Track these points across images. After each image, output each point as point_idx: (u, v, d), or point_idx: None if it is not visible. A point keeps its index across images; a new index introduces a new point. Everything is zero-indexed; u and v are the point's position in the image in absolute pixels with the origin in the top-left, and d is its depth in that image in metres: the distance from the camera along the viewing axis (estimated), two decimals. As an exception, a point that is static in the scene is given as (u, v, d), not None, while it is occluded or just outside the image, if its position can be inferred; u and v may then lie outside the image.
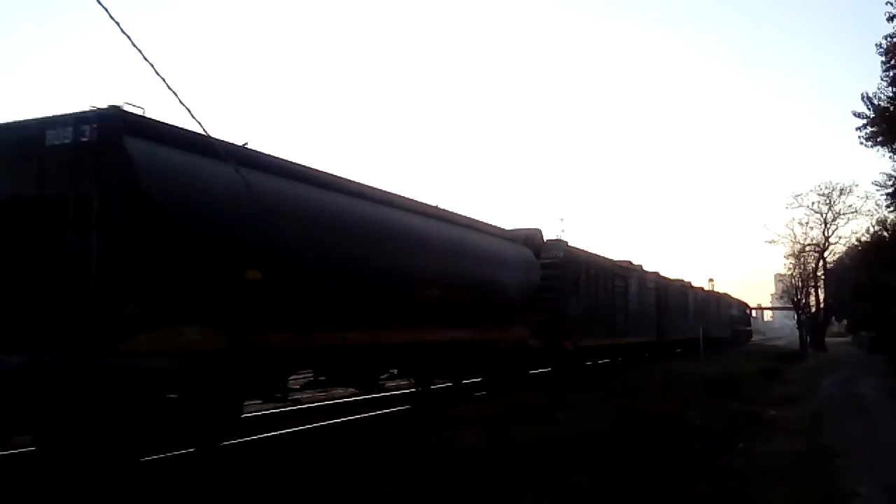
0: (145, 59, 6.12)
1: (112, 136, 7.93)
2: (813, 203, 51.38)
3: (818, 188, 51.69)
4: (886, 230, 33.42)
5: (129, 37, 6.12)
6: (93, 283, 7.68)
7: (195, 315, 8.49)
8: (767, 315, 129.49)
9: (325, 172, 11.32)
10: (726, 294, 59.18)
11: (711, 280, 64.49)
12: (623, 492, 7.64)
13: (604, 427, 10.62)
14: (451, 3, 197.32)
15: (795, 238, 53.25)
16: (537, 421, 12.05)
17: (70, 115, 8.22)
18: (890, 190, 27.63)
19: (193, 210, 8.49)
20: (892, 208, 29.99)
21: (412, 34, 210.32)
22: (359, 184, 12.04)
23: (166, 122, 8.57)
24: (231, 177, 7.62)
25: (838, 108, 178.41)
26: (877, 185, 30.95)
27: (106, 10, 6.03)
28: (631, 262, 28.07)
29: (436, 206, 14.70)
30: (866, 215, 47.13)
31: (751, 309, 77.91)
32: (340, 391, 15.94)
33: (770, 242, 56.70)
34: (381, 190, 12.65)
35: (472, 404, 14.93)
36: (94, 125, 8.01)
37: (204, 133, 6.74)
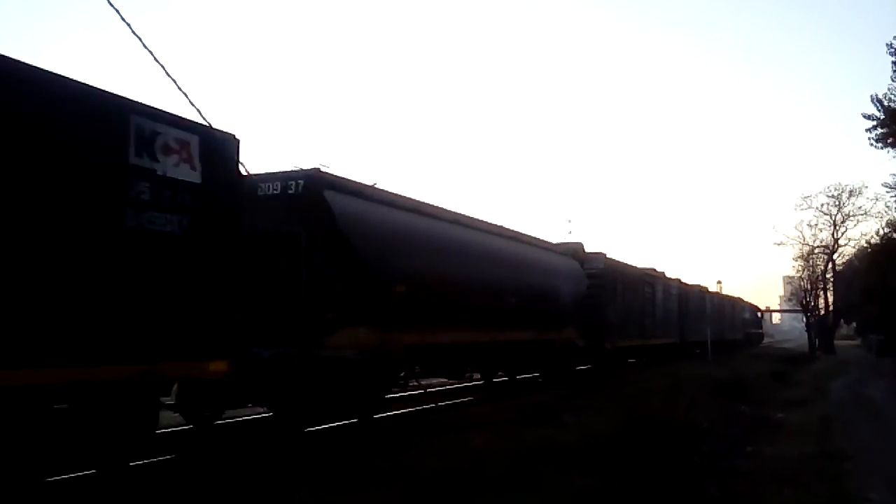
0: (145, 46, 6.18)
1: (316, 189, 10.98)
2: (822, 205, 51.22)
3: (827, 190, 51.54)
4: (896, 232, 33.27)
5: (129, 25, 6.16)
6: (303, 296, 10.57)
7: (364, 319, 11.43)
8: (776, 317, 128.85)
9: (436, 206, 14.46)
10: (739, 298, 60.22)
11: (720, 282, 64.21)
12: (630, 494, 7.62)
13: (611, 430, 10.59)
14: (461, 4, 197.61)
15: (804, 240, 53.07)
16: (546, 424, 12.05)
17: (282, 172, 11.25)
18: (900, 191, 27.49)
19: (368, 243, 11.44)
20: (902, 209, 29.84)
21: (418, 33, 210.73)
22: (455, 212, 15.20)
23: (346, 177, 11.84)
24: (386, 216, 12.27)
25: (848, 109, 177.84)
26: (887, 186, 30.93)
27: (111, 4, 6.08)
28: (655, 270, 30.66)
29: (508, 228, 17.63)
30: (876, 217, 46.97)
31: (762, 312, 78.55)
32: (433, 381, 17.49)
33: (779, 244, 56.64)
34: (470, 217, 15.73)
35: (481, 406, 14.96)
36: (301, 181, 10.98)
37: (358, 182, 11.49)
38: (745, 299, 64.11)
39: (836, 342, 57.02)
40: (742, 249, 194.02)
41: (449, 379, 17.57)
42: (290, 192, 10.95)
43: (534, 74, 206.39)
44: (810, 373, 30.20)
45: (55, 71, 6.56)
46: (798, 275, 57.14)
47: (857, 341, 64.85)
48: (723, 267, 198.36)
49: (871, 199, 48.09)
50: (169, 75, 6.22)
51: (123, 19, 5.87)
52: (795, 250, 54.37)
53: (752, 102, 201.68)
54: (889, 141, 24.21)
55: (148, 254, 7.41)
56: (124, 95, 7.29)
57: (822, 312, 57.20)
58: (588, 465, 8.76)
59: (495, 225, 17.03)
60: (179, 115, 7.82)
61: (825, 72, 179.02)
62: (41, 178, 6.46)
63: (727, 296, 53.42)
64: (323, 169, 11.19)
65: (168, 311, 7.66)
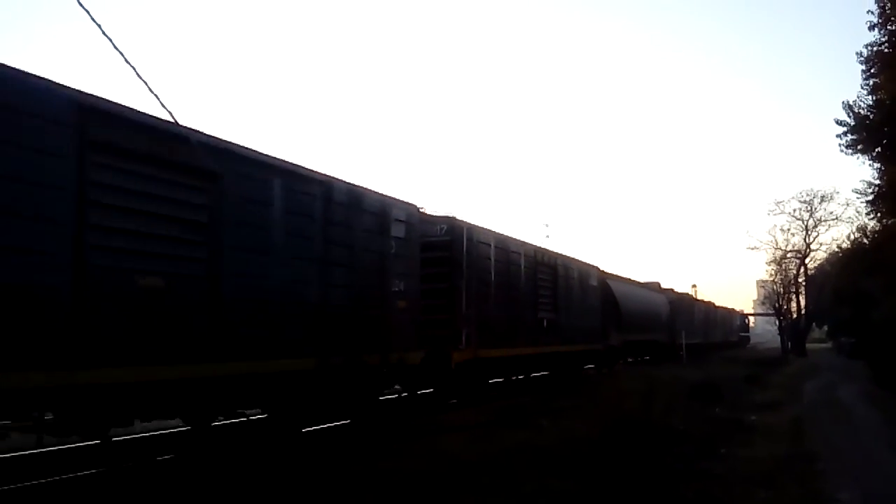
0: (115, 47, 6.10)
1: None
2: (794, 210, 51.95)
3: (800, 195, 52.24)
4: (867, 237, 33.78)
5: (99, 25, 6.10)
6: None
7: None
8: (750, 321, 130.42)
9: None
10: (733, 309, 76.44)
11: (695, 286, 64.95)
12: (605, 497, 7.67)
13: (587, 432, 10.65)
14: (438, 11, 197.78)
15: (777, 244, 53.80)
16: (522, 426, 12.08)
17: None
18: (870, 197, 27.86)
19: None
20: (872, 215, 30.26)
21: (401, 37, 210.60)
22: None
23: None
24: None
25: (821, 115, 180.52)
26: (857, 192, 31.27)
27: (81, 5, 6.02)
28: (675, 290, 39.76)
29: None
30: (847, 222, 47.73)
31: (747, 317, 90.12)
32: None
33: (752, 249, 57.28)
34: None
35: (461, 410, 14.97)
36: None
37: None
38: (726, 306, 74.56)
39: (807, 345, 57.83)
40: (717, 253, 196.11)
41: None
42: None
43: (511, 76, 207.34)
44: (783, 375, 30.59)
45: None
46: (771, 279, 57.91)
47: (829, 344, 65.79)
48: (698, 271, 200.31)
49: (843, 205, 48.89)
50: (140, 77, 6.12)
51: (94, 20, 5.79)
52: (769, 255, 55.17)
53: (726, 108, 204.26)
54: (859, 147, 24.54)
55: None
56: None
57: (795, 316, 58.00)
58: (564, 467, 8.80)
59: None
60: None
61: (799, 78, 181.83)
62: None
63: (726, 308, 69.04)
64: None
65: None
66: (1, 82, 6.59)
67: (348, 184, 11.50)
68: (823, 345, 68.55)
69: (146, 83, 6.33)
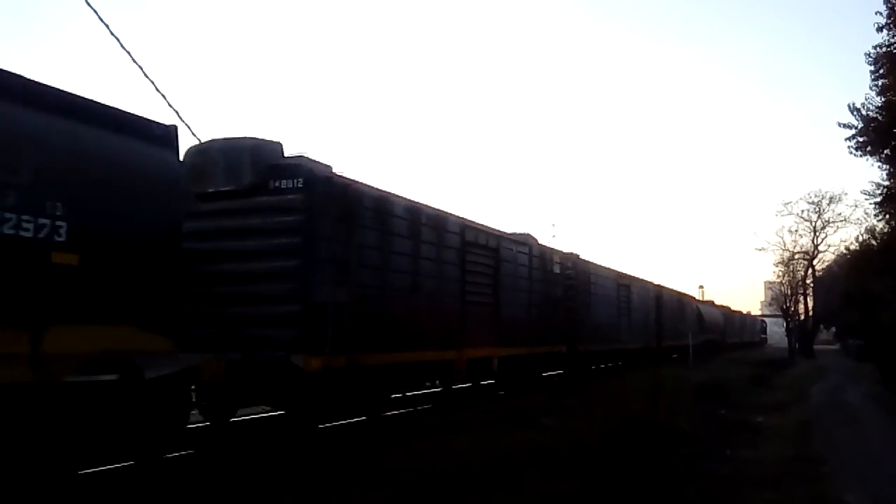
0: (122, 46, 6.15)
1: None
2: (802, 211, 51.79)
3: (808, 196, 52.21)
4: (875, 239, 33.60)
5: (107, 25, 6.14)
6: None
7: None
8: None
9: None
10: (755, 315, 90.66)
11: (701, 287, 64.80)
12: (610, 497, 7.67)
13: (592, 433, 10.65)
14: (441, 12, 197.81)
15: (785, 246, 53.64)
16: (527, 427, 12.07)
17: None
18: (878, 199, 27.70)
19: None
20: (880, 217, 30.09)
21: (402, 37, 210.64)
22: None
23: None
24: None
25: (830, 117, 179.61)
26: (865, 193, 31.06)
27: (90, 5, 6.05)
28: (714, 302, 46.75)
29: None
30: (855, 224, 47.46)
31: (764, 322, 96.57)
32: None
33: (760, 250, 57.11)
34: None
35: (466, 410, 14.98)
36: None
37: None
38: (750, 312, 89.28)
39: (815, 347, 57.60)
40: (724, 254, 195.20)
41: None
42: None
43: (518, 77, 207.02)
44: (790, 377, 30.49)
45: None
46: (779, 280, 57.74)
47: (836, 346, 65.51)
48: (705, 271, 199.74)
49: (851, 206, 48.68)
50: (147, 76, 6.20)
51: (101, 20, 5.84)
52: (776, 256, 55.01)
53: (735, 109, 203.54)
54: (867, 149, 24.40)
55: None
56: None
57: (802, 317, 57.78)
58: (569, 467, 8.81)
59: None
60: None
61: (808, 79, 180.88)
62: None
63: (749, 314, 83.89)
64: None
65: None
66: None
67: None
68: (831, 347, 68.24)
69: (153, 82, 6.40)
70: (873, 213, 31.64)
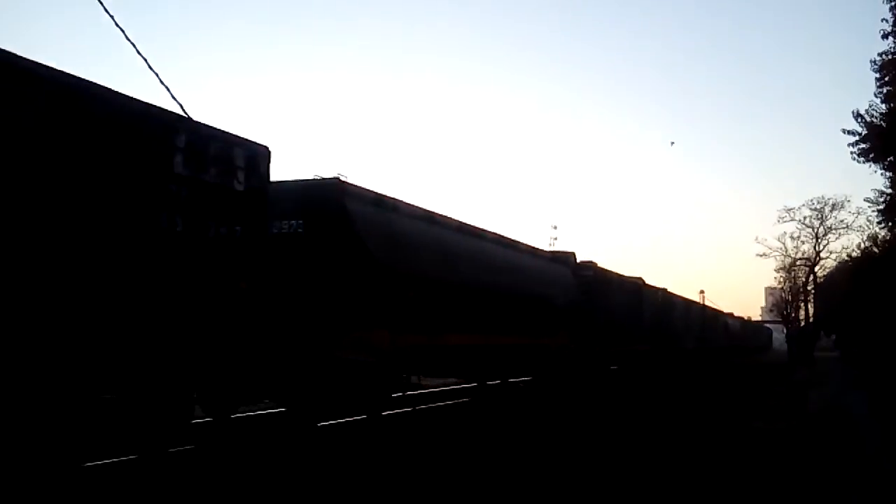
0: (128, 38, 6.19)
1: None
2: (805, 217, 51.72)
3: (810, 203, 52.03)
4: (877, 246, 33.63)
5: (112, 16, 6.14)
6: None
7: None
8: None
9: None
10: (758, 321, 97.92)
11: (702, 292, 64.84)
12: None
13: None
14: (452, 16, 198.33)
15: (786, 252, 53.59)
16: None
17: None
18: (881, 206, 27.73)
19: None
20: (883, 225, 30.13)
21: (406, 43, 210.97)
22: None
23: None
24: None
25: (833, 123, 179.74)
26: (868, 201, 31.08)
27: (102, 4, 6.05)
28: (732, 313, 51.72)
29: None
30: (857, 231, 47.45)
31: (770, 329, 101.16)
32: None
33: (761, 256, 57.05)
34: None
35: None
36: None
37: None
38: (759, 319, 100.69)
39: (815, 354, 57.50)
40: (725, 259, 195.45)
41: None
42: None
43: (521, 81, 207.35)
44: (789, 385, 30.41)
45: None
46: (780, 286, 57.70)
47: (836, 353, 65.41)
48: (706, 276, 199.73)
49: (854, 213, 48.60)
50: (151, 68, 6.24)
51: (107, 11, 5.87)
52: (777, 262, 54.94)
53: (739, 113, 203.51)
54: (871, 156, 24.40)
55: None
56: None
57: (803, 324, 57.69)
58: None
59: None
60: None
61: (812, 86, 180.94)
62: None
63: (762, 322, 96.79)
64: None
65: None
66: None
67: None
68: (831, 354, 68.14)
69: (157, 74, 6.41)
70: (876, 220, 31.68)
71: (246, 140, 9.06)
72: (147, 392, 7.91)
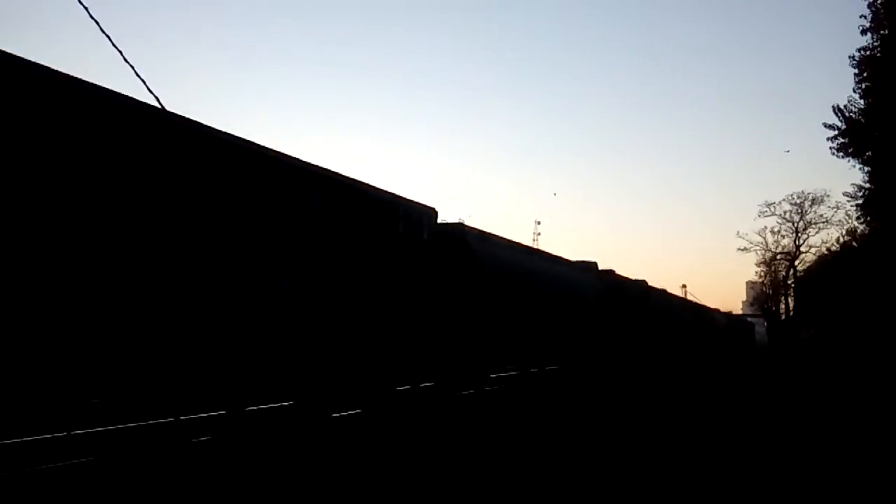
0: (102, 30, 6.23)
1: None
2: (785, 212, 52.49)
3: (791, 197, 52.89)
4: (856, 241, 34.09)
5: (86, 8, 6.20)
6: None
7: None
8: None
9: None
10: (738, 314, 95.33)
11: (684, 286, 65.62)
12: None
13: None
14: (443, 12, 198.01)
15: (767, 246, 54.39)
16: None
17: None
18: (860, 201, 28.12)
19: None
20: (862, 219, 30.58)
21: (400, 38, 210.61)
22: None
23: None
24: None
25: (813, 118, 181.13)
26: (848, 195, 31.53)
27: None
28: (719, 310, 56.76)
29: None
30: (837, 225, 48.29)
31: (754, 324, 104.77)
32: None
33: (742, 250, 57.82)
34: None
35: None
36: None
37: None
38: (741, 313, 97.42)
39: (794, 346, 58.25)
40: (706, 253, 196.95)
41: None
42: None
43: (504, 74, 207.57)
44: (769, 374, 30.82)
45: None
46: (760, 280, 58.40)
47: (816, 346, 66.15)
48: (687, 270, 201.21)
49: (833, 208, 49.49)
50: (126, 61, 6.30)
51: (81, 3, 5.92)
52: (758, 256, 55.66)
53: (719, 107, 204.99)
54: (850, 150, 24.78)
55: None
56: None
57: (783, 318, 58.45)
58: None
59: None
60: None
61: (792, 81, 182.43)
62: None
63: (740, 316, 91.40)
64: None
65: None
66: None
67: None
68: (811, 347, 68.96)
69: (133, 67, 6.49)
70: (855, 214, 32.16)
71: (426, 206, 14.74)
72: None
